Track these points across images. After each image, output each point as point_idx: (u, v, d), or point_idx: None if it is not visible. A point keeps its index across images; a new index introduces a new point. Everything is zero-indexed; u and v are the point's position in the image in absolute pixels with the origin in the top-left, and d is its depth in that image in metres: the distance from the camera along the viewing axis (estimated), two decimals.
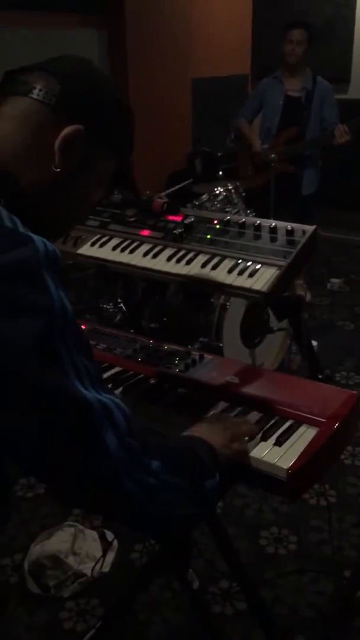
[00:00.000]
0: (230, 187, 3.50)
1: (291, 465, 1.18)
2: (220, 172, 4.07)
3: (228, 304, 3.06)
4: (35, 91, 0.94)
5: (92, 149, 0.97)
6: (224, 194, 3.45)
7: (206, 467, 1.02)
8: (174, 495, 0.94)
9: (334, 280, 4.92)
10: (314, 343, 3.45)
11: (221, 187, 3.52)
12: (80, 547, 2.35)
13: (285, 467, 1.18)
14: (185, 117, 5.26)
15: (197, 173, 4.77)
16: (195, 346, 3.11)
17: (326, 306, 4.60)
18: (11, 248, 0.79)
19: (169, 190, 3.21)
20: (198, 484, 0.99)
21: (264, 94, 4.29)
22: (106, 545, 2.40)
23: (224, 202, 3.45)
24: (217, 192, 3.45)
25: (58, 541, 2.36)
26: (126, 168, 1.09)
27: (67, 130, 0.93)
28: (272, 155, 3.94)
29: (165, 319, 3.15)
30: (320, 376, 1.77)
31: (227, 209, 3.40)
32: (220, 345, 3.08)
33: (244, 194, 3.56)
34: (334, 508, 2.57)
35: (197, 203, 3.33)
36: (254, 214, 3.47)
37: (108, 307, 3.41)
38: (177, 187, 3.49)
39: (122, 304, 3.45)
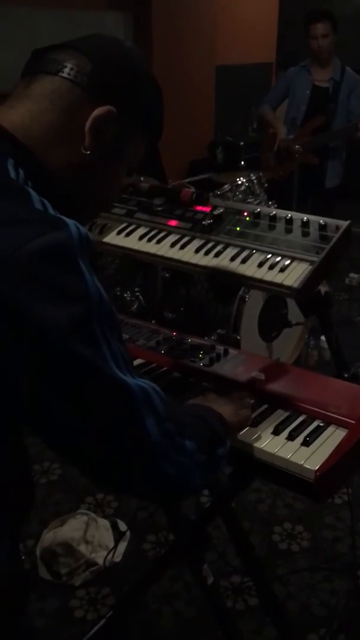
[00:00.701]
0: (252, 178, 3.44)
1: (319, 467, 1.15)
2: (242, 162, 4.01)
3: (247, 296, 3.03)
4: (67, 70, 0.90)
5: (123, 131, 0.94)
6: (246, 184, 3.39)
7: (219, 436, 1.05)
8: (201, 471, 0.97)
9: (353, 275, 4.85)
10: None
11: (243, 177, 3.46)
12: (93, 536, 2.34)
13: (313, 468, 1.15)
14: (208, 105, 5.19)
15: (219, 162, 4.72)
16: (213, 337, 3.09)
17: (344, 301, 4.55)
18: (45, 232, 0.77)
19: (189, 180, 3.17)
20: (214, 455, 1.02)
21: (291, 82, 4.21)
22: (118, 535, 2.40)
23: (246, 193, 3.39)
24: (239, 182, 3.39)
25: (70, 529, 2.35)
26: (155, 152, 1.04)
27: (98, 111, 0.90)
28: (297, 146, 3.87)
29: (182, 309, 3.12)
30: (346, 375, 1.73)
31: (249, 200, 3.34)
32: (238, 337, 3.04)
33: (266, 185, 3.50)
34: (348, 506, 2.54)
35: (218, 193, 3.29)
36: (275, 206, 3.42)
37: (125, 295, 3.39)
38: (198, 177, 3.45)
39: (139, 294, 3.42)
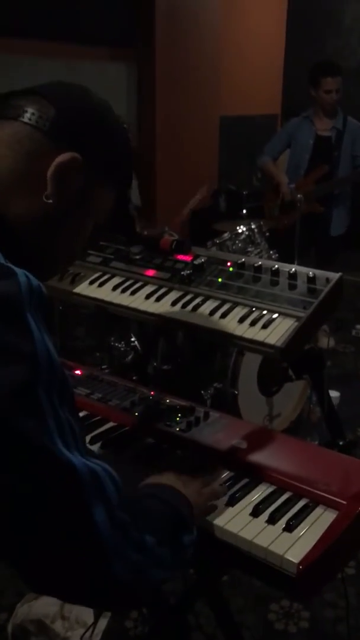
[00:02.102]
0: (253, 226, 3.35)
1: (303, 559, 0.99)
2: (244, 211, 3.94)
3: None
4: (27, 114, 0.85)
5: (89, 179, 0.87)
6: (247, 232, 3.30)
7: (185, 523, 0.92)
8: (162, 568, 0.85)
9: (359, 327, 4.70)
10: (336, 394, 3.23)
11: (244, 225, 3.37)
12: (70, 611, 2.14)
13: (296, 560, 0.98)
14: (211, 154, 5.18)
15: (221, 211, 4.67)
16: (209, 392, 2.93)
17: (351, 354, 4.38)
18: None
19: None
20: (179, 545, 0.89)
21: (294, 132, 4.18)
22: (99, 611, 2.19)
23: (246, 242, 3.30)
24: (240, 230, 3.30)
25: (46, 603, 2.15)
26: (126, 204, 1.01)
27: (61, 157, 0.84)
28: (299, 196, 3.80)
29: (179, 360, 2.98)
30: (341, 442, 1.57)
31: (249, 249, 3.24)
32: (236, 392, 2.89)
33: (267, 234, 3.41)
34: (352, 581, 2.32)
35: (217, 241, 3.19)
36: (277, 255, 3.31)
37: (119, 345, 3.25)
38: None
39: (136, 343, 3.29)
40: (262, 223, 3.49)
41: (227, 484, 1.17)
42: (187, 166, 4.79)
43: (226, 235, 3.28)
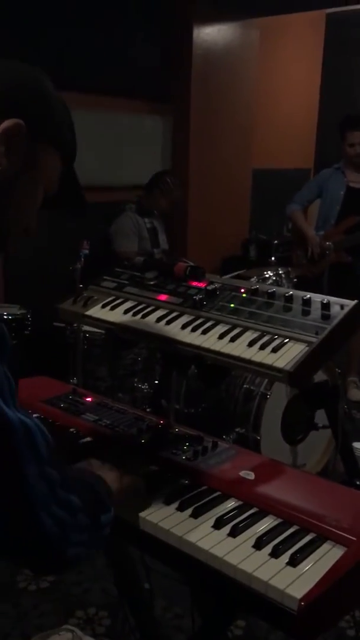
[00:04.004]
0: (280, 272, 3.35)
1: (305, 595, 0.91)
2: (273, 258, 3.95)
3: (269, 393, 2.82)
4: None
5: (33, 145, 0.91)
6: (274, 278, 3.29)
7: (103, 501, 0.96)
8: (81, 535, 0.88)
9: None
10: None
11: (271, 271, 3.37)
12: None
13: (298, 596, 0.91)
14: (243, 205, 5.24)
15: (251, 259, 4.69)
16: (231, 436, 2.86)
17: None
18: None
19: (225, 277, 3.10)
20: (97, 521, 0.93)
21: (324, 184, 4.22)
22: None
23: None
24: (267, 275, 3.30)
25: None
26: (73, 177, 1.04)
27: (6, 123, 0.86)
28: (328, 243, 3.79)
29: (201, 403, 2.93)
30: (358, 482, 1.48)
31: None
32: (258, 437, 2.81)
33: (295, 280, 3.40)
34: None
35: None
36: None
37: (142, 386, 3.23)
38: (232, 274, 3.39)
39: (158, 385, 3.26)
40: (290, 270, 3.48)
41: (231, 514, 1.11)
42: (218, 216, 4.85)
43: (253, 279, 3.28)
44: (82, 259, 3.12)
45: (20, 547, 0.83)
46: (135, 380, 3.26)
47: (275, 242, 4.57)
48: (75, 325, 3.24)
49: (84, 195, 1.03)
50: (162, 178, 3.99)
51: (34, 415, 1.47)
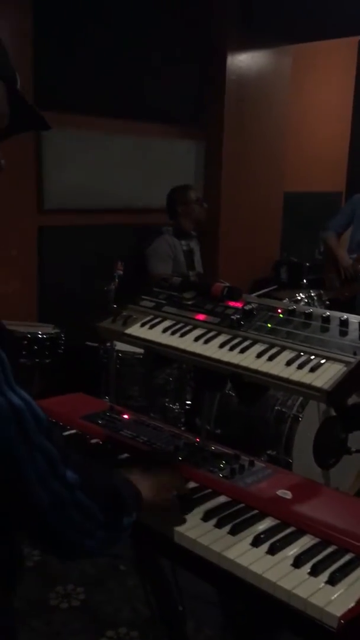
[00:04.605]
0: (313, 294, 3.35)
1: (345, 613, 0.91)
2: (305, 281, 3.95)
3: (301, 415, 2.80)
4: None
5: None
6: (306, 300, 3.29)
7: (124, 503, 0.97)
8: (85, 519, 0.88)
9: None
10: None
11: (303, 293, 3.38)
12: None
13: (338, 614, 0.91)
14: (275, 228, 5.27)
15: (282, 281, 4.69)
16: (262, 459, 2.84)
17: None
18: None
19: (254, 294, 3.11)
20: (113, 518, 0.94)
21: (357, 208, 4.22)
22: None
23: None
24: (299, 297, 3.30)
25: None
26: (22, 98, 0.95)
27: None
28: None
29: (232, 424, 2.92)
30: None
31: None
32: (290, 460, 2.78)
33: (327, 302, 3.39)
34: None
35: None
36: None
37: (174, 406, 3.24)
38: (261, 291, 3.40)
39: (190, 405, 3.27)
40: (322, 292, 3.48)
41: (269, 532, 1.11)
42: (250, 238, 4.88)
43: (285, 301, 3.29)
44: (117, 280, 3.17)
45: (18, 520, 0.87)
46: (167, 400, 3.27)
47: (307, 264, 4.58)
48: (108, 344, 3.28)
49: (38, 111, 0.98)
50: (172, 196, 3.96)
51: (72, 431, 1.52)
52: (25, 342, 3.31)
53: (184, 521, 1.14)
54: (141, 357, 3.29)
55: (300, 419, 2.80)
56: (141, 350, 3.04)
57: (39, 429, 0.83)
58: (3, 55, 0.93)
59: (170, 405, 3.24)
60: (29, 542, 0.95)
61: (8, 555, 0.92)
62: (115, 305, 3.21)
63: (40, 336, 3.36)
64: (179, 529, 1.12)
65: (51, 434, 0.85)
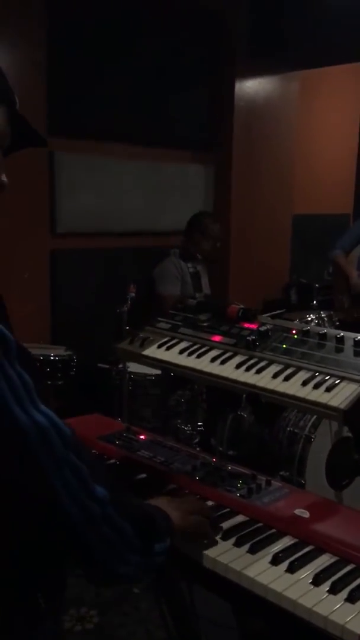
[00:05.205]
0: (323, 315, 3.37)
1: None
2: (315, 302, 3.97)
3: (313, 436, 2.81)
4: None
5: None
6: (316, 321, 3.32)
7: (157, 528, 0.99)
8: (117, 537, 0.89)
9: None
10: None
11: (314, 314, 3.40)
12: None
13: (358, 631, 0.92)
14: (284, 249, 5.31)
15: (292, 302, 4.72)
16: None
17: None
18: None
19: (264, 315, 3.14)
20: (147, 543, 0.95)
21: None
22: None
23: None
24: (309, 318, 3.32)
25: None
26: (20, 118, 1.00)
27: None
28: None
29: (244, 446, 2.93)
30: None
31: None
32: (303, 481, 2.78)
33: (337, 323, 3.41)
34: None
35: None
36: None
37: (186, 428, 3.25)
38: (270, 314, 3.42)
39: (202, 427, 3.28)
40: (332, 313, 3.50)
41: (288, 551, 1.13)
42: (260, 260, 4.93)
43: (296, 322, 3.31)
44: (129, 302, 3.21)
45: (52, 538, 0.87)
46: (179, 422, 3.29)
47: (317, 285, 4.60)
48: (120, 366, 3.31)
49: (36, 130, 1.02)
50: (199, 220, 4.09)
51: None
52: (38, 364, 3.34)
53: (216, 543, 1.15)
54: (153, 378, 3.32)
55: (312, 439, 2.80)
56: (153, 372, 3.08)
57: (65, 446, 0.85)
58: (3, 81, 0.96)
59: (183, 427, 3.25)
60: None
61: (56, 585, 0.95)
62: (127, 327, 3.25)
63: (52, 358, 3.40)
64: (199, 548, 1.14)
65: (79, 450, 0.87)
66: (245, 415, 2.91)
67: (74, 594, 2.62)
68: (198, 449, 1.98)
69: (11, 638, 0.87)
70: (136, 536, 0.92)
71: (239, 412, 2.97)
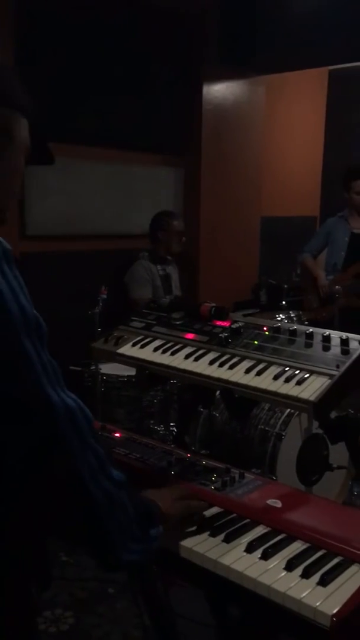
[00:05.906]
0: (292, 316, 3.44)
1: (337, 612, 0.96)
2: (284, 302, 4.05)
3: (284, 434, 2.86)
4: None
5: (7, 120, 0.97)
6: (285, 321, 3.38)
7: (152, 515, 1.03)
8: (127, 520, 0.93)
9: None
10: None
11: (283, 315, 3.46)
12: None
13: (329, 612, 0.96)
14: (252, 251, 5.39)
15: (262, 303, 4.79)
16: None
17: None
18: None
19: (235, 313, 3.20)
20: (144, 529, 0.99)
21: (330, 231, 4.37)
22: None
23: None
24: (279, 318, 3.39)
25: None
26: (37, 133, 1.06)
27: None
28: (337, 287, 3.90)
29: (217, 444, 2.97)
30: None
31: None
32: (274, 478, 2.83)
33: (306, 323, 3.48)
34: None
35: None
36: None
37: (159, 428, 3.28)
38: (243, 313, 3.48)
39: (175, 428, 3.31)
40: (301, 313, 3.57)
41: (261, 539, 1.16)
42: (229, 262, 4.99)
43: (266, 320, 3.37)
44: (101, 304, 3.23)
45: (75, 520, 0.90)
46: (152, 422, 3.31)
47: (285, 286, 4.67)
48: (93, 367, 3.32)
49: (50, 148, 1.08)
50: (159, 218, 4.09)
51: None
52: None
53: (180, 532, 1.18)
54: (126, 379, 3.34)
55: (283, 437, 2.86)
56: (126, 373, 3.09)
57: (89, 429, 0.89)
58: (24, 92, 1.01)
59: (156, 427, 3.27)
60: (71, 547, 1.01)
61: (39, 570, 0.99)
62: (99, 329, 3.26)
63: None
64: (174, 538, 1.17)
65: (96, 434, 0.91)
66: (218, 415, 2.95)
67: (47, 596, 2.61)
68: (173, 445, 2.00)
69: (11, 634, 0.89)
70: (137, 521, 0.96)
71: (211, 412, 3.01)
